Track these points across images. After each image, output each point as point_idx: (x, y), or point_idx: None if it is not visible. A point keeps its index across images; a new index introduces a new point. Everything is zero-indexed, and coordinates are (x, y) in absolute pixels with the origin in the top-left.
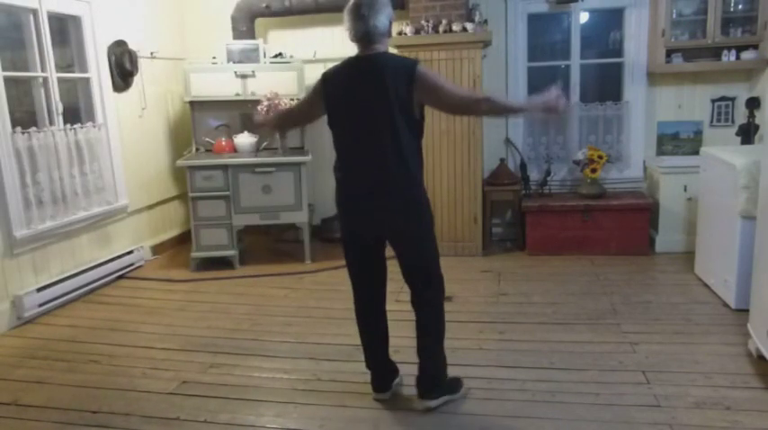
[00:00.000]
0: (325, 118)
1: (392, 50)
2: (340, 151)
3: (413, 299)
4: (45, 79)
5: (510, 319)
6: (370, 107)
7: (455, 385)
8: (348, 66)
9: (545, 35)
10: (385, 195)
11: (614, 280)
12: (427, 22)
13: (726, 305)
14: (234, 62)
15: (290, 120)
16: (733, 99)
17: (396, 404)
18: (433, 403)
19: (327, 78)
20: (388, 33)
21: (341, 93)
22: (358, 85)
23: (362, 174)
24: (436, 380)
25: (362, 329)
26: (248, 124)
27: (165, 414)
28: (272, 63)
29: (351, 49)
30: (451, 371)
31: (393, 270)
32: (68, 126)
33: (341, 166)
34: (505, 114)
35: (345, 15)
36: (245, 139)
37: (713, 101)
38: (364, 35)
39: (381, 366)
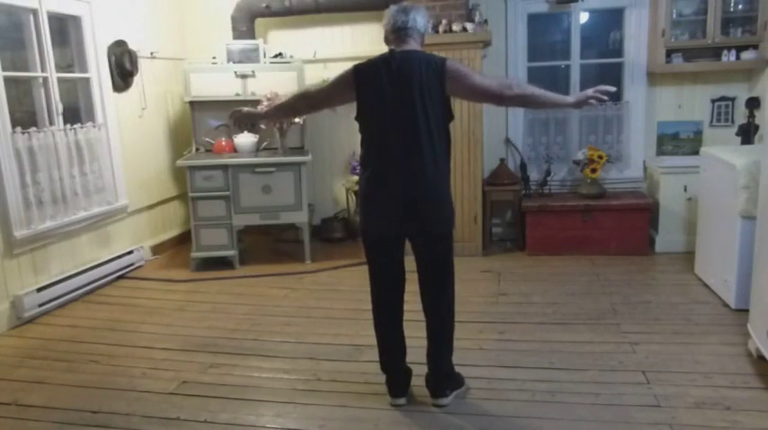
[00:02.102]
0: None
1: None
2: (370, 147)
3: (426, 301)
4: (45, 79)
5: (510, 319)
6: (404, 103)
7: (460, 379)
8: (382, 61)
9: (545, 35)
10: (418, 193)
11: (614, 280)
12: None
13: (726, 305)
14: (234, 62)
15: (303, 102)
16: (733, 99)
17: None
18: (447, 401)
19: (360, 71)
20: (423, 36)
21: (374, 87)
22: (392, 80)
23: (394, 171)
24: (448, 379)
25: (382, 334)
26: (248, 124)
27: (165, 414)
28: (272, 63)
29: (349, 49)
30: None
31: None
32: (68, 126)
33: (370, 162)
34: (544, 107)
35: (387, 12)
36: (245, 139)
37: (713, 101)
38: (402, 25)
39: (399, 371)
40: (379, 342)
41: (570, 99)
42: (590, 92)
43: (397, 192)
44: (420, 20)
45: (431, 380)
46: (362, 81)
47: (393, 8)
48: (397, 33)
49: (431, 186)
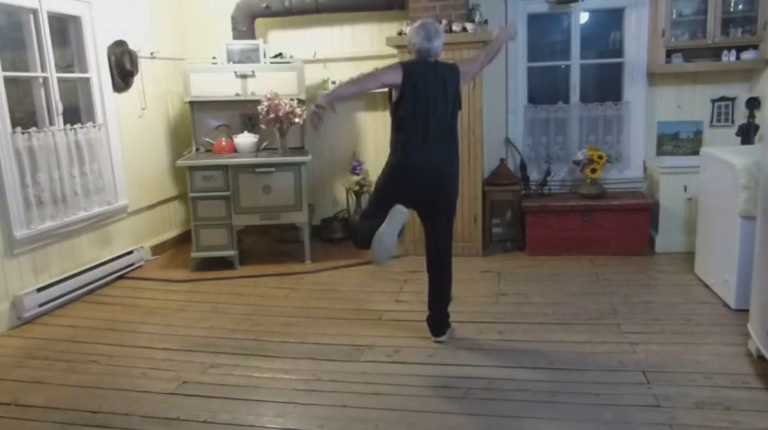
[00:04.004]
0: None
1: (393, 50)
2: (410, 126)
3: (431, 262)
4: (45, 79)
5: (510, 319)
6: (445, 100)
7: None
8: (423, 64)
9: (545, 35)
10: (441, 167)
11: (614, 280)
12: None
13: (726, 305)
14: (234, 62)
15: (359, 83)
16: (733, 99)
17: (396, 403)
18: (444, 338)
19: (408, 67)
20: (438, 55)
21: (420, 81)
22: (439, 81)
23: (428, 148)
24: (445, 320)
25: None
26: (248, 124)
27: (165, 414)
28: (272, 63)
29: (349, 49)
30: (452, 371)
31: (392, 271)
32: (68, 126)
33: (408, 139)
34: (495, 56)
35: (416, 34)
36: (245, 139)
37: (713, 101)
38: (427, 52)
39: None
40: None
41: (498, 45)
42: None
43: (429, 159)
44: (438, 44)
45: (431, 321)
46: (411, 75)
47: (419, 34)
48: (421, 54)
49: (452, 158)
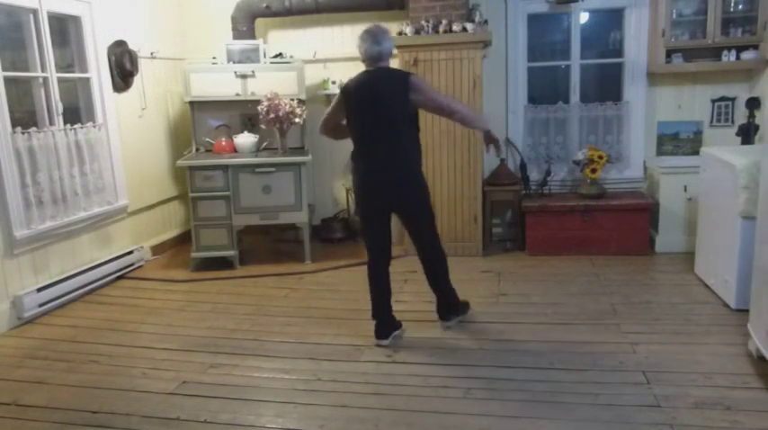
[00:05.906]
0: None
1: (393, 51)
2: (356, 142)
3: (420, 252)
4: (45, 79)
5: (510, 319)
6: (378, 108)
7: (464, 308)
8: (362, 77)
9: (545, 35)
10: (390, 174)
11: (614, 280)
12: (427, 22)
13: (726, 305)
14: (234, 62)
15: (333, 123)
16: (733, 99)
17: (396, 403)
18: (450, 323)
19: (346, 89)
20: (391, 54)
21: (357, 98)
22: (369, 92)
23: (374, 158)
24: (450, 305)
25: (372, 285)
26: (248, 124)
27: (165, 414)
28: (272, 63)
29: (349, 49)
30: (452, 371)
31: (391, 271)
32: (68, 126)
33: (358, 154)
34: (471, 127)
35: (361, 40)
36: (245, 139)
37: (713, 101)
38: (375, 55)
39: (384, 317)
40: (371, 292)
41: (485, 125)
42: (495, 137)
43: (377, 173)
44: (388, 46)
45: (438, 307)
46: (349, 96)
47: (366, 41)
48: (371, 59)
49: (400, 167)
